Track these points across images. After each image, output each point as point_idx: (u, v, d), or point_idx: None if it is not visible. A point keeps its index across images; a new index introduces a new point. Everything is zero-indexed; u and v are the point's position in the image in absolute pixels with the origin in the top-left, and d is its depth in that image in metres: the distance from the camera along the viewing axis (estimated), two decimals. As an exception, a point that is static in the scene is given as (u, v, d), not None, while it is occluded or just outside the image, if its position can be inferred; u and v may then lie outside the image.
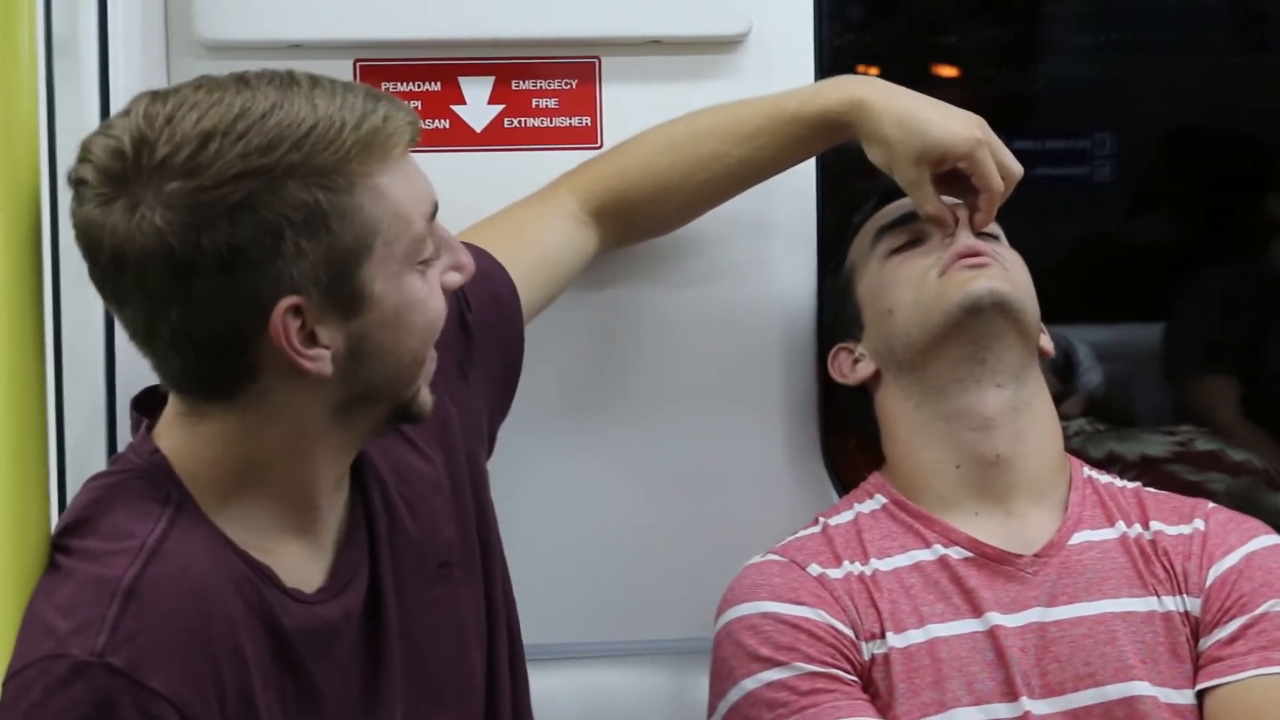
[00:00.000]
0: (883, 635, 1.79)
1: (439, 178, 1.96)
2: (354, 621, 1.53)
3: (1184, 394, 3.14)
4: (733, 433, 2.08)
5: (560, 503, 2.06)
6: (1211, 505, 1.90)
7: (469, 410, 1.74)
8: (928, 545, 1.84)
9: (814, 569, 1.82)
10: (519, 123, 2.02)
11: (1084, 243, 3.46)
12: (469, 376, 1.75)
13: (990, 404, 1.84)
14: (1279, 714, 1.74)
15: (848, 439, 2.08)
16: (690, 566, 2.03)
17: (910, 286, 1.87)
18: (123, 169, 1.38)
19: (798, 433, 2.09)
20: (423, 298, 1.47)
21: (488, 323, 1.78)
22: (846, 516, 1.90)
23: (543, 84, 2.02)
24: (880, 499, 1.91)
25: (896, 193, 1.92)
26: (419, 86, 2.00)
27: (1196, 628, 1.81)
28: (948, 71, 3.23)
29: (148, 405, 1.54)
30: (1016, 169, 1.86)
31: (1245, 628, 1.78)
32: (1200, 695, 1.78)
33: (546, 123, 2.02)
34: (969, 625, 1.79)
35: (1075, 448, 2.01)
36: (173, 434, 1.49)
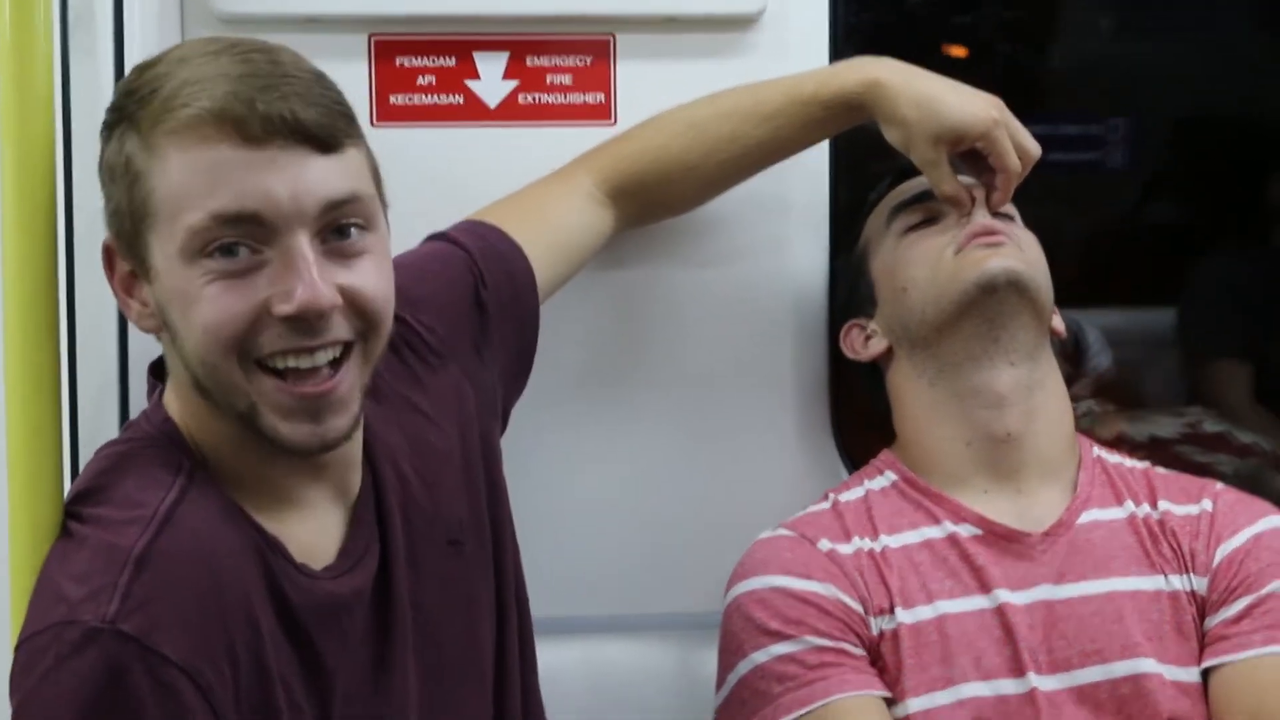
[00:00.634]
0: (891, 611, 1.79)
1: (452, 153, 1.99)
2: (364, 597, 1.54)
3: (1196, 377, 3.14)
4: (744, 409, 2.08)
5: (572, 478, 2.07)
6: (1220, 486, 1.90)
7: (483, 387, 1.74)
8: (937, 522, 1.85)
9: (824, 544, 1.82)
10: (533, 98, 2.02)
11: (1096, 227, 3.46)
12: (483, 353, 1.76)
13: (1003, 382, 1.84)
14: None
15: (858, 416, 2.08)
16: (700, 542, 2.03)
17: (925, 264, 1.87)
18: None
19: (809, 410, 2.09)
20: (194, 297, 1.42)
21: (503, 301, 1.79)
22: (857, 493, 1.90)
23: (557, 60, 2.02)
24: (891, 476, 1.91)
25: (912, 171, 1.92)
26: (433, 61, 2.00)
27: (1203, 607, 1.81)
28: (961, 52, 3.24)
29: (162, 371, 1.55)
30: (1034, 149, 1.86)
31: (1251, 607, 1.78)
32: (1205, 673, 1.78)
33: (560, 99, 2.02)
34: (977, 602, 1.80)
35: (1084, 428, 2.00)
36: (181, 398, 1.50)
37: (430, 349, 1.70)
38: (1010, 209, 1.92)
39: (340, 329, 1.45)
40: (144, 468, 1.46)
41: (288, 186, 1.40)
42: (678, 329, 2.07)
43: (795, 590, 1.78)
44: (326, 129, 1.42)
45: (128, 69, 1.81)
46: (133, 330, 1.82)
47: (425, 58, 2.00)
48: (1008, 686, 1.76)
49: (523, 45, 2.01)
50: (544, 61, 2.02)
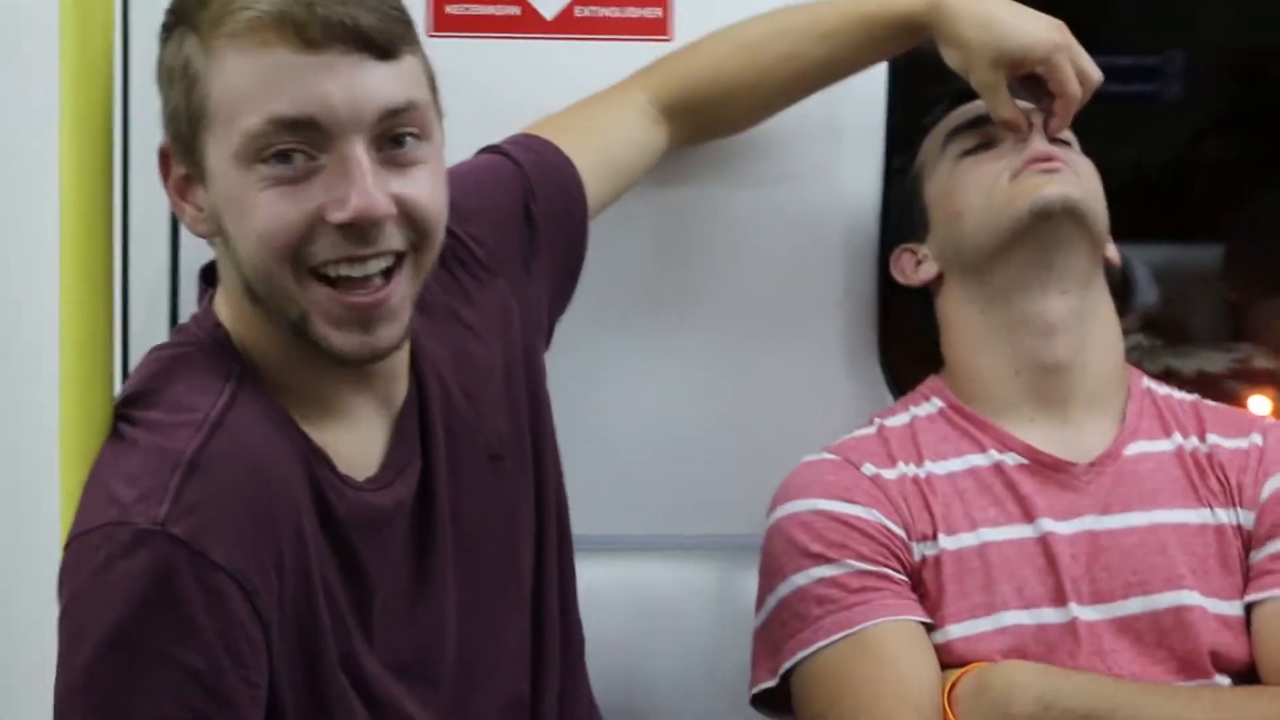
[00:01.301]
0: (934, 537, 1.79)
1: (508, 65, 1.98)
2: (405, 509, 1.54)
3: (1244, 314, 3.12)
4: (791, 332, 2.07)
5: (617, 397, 2.06)
6: (1271, 420, 1.90)
7: (530, 301, 1.74)
8: (983, 450, 1.84)
9: (868, 469, 1.82)
10: (589, 11, 1.99)
11: (1148, 160, 3.43)
12: (531, 267, 1.75)
13: (1055, 310, 1.82)
14: None
15: (906, 342, 2.07)
16: (744, 464, 2.03)
17: (981, 189, 1.85)
18: None
19: (856, 334, 2.08)
20: (250, 203, 1.42)
21: (553, 215, 1.78)
22: (902, 419, 1.90)
23: (616, -27, 2.01)
24: (937, 402, 1.90)
25: (968, 96, 1.90)
26: (492, -27, 1.99)
27: (1248, 541, 1.80)
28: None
29: (213, 275, 1.55)
30: (1096, 75, 1.84)
31: None
32: (1249, 608, 1.78)
33: (618, 12, 2.00)
34: (1021, 531, 1.79)
35: (1132, 362, 1.99)
36: (231, 304, 1.50)
37: (479, 263, 1.70)
38: (1069, 135, 1.90)
39: (394, 239, 1.44)
40: (195, 372, 1.47)
41: (345, 92, 1.40)
42: (727, 250, 2.06)
43: (838, 513, 1.78)
44: (385, 35, 1.41)
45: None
46: (184, 234, 1.83)
47: (484, -31, 1.99)
48: (1049, 615, 1.76)
49: (582, -44, 1.99)
50: (603, -26, 2.01)
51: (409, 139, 1.45)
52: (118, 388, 1.56)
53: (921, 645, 1.74)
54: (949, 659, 1.75)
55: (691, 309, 2.07)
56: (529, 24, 1.99)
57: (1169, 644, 1.76)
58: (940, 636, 1.76)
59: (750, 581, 1.86)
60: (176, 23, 1.45)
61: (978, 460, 1.84)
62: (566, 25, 2.00)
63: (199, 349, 1.50)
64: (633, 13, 2.00)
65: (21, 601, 1.87)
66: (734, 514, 1.97)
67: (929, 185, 1.94)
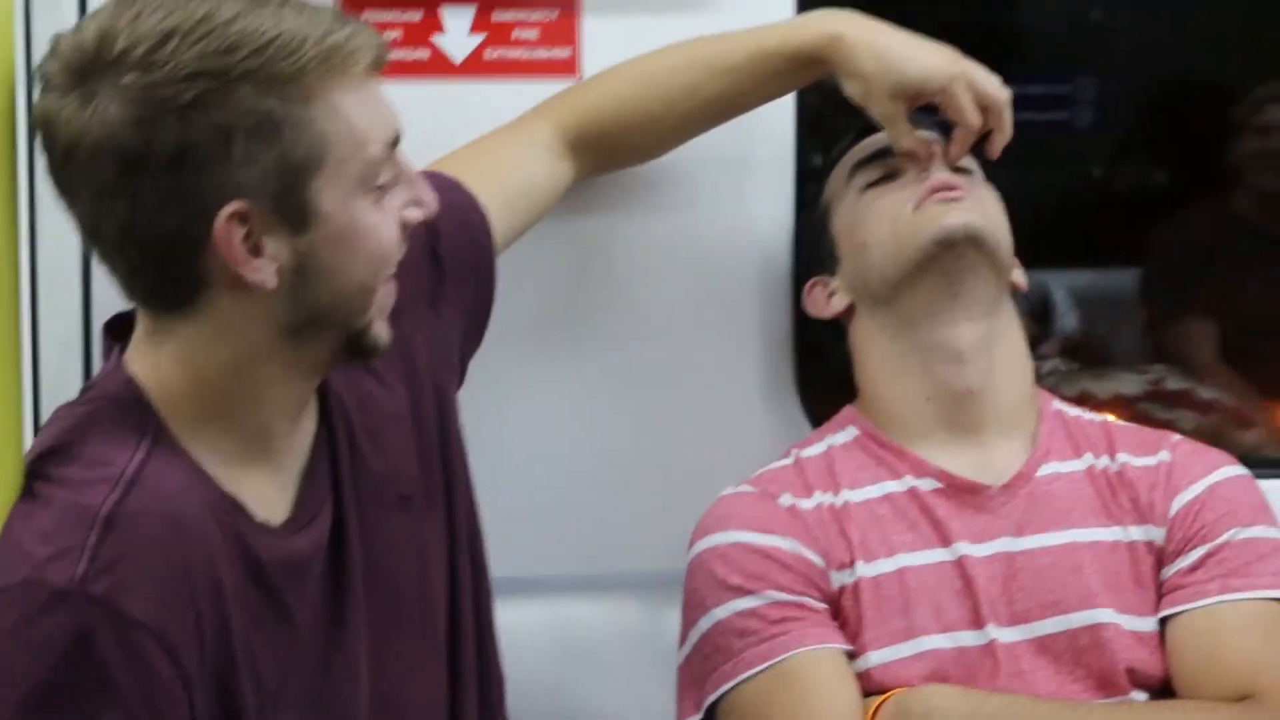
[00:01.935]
0: (852, 564, 1.80)
1: (417, 108, 1.94)
2: (321, 553, 1.54)
3: (1161, 337, 3.16)
4: (708, 366, 2.08)
5: (533, 435, 2.06)
6: (1178, 437, 1.92)
7: (439, 342, 1.74)
8: (898, 476, 1.86)
9: (785, 499, 1.83)
10: (499, 54, 2.01)
11: (1064, 187, 3.47)
12: (439, 308, 1.75)
13: (963, 337, 1.84)
14: (1238, 639, 1.76)
15: (823, 374, 2.08)
16: (663, 499, 2.03)
17: (885, 220, 1.87)
18: (84, 62, 1.38)
19: (773, 367, 2.09)
20: (373, 224, 1.46)
21: (459, 253, 1.78)
22: (819, 448, 1.91)
23: (524, 14, 2.01)
24: (853, 431, 1.91)
25: (874, 128, 1.91)
26: (399, 15, 1.99)
27: (1160, 556, 1.82)
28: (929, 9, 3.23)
29: (120, 330, 1.53)
30: (1000, 96, 1.85)
31: (1207, 556, 1.79)
32: (1163, 622, 1.80)
33: (527, 54, 2.01)
34: (938, 555, 1.81)
35: (1049, 387, 2.02)
36: (143, 358, 1.49)
37: None
38: (971, 164, 1.91)
39: None
40: (109, 428, 1.45)
41: (390, 106, 1.49)
42: (642, 285, 2.07)
43: (757, 545, 1.79)
44: None
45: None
46: (97, 287, 1.81)
47: (391, 10, 1.98)
48: (967, 638, 1.78)
49: (490, -1, 2.00)
50: (510, 16, 2.01)
51: None
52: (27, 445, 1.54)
53: (842, 673, 1.75)
54: (870, 686, 1.76)
55: (607, 345, 2.07)
56: (438, 67, 2.00)
57: (1086, 662, 1.77)
58: (861, 664, 1.77)
59: (674, 617, 1.86)
60: (213, 86, 1.38)
61: (893, 486, 1.85)
62: (476, 67, 2.01)
63: (112, 403, 1.48)
64: (541, 54, 2.02)
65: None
66: (656, 550, 1.96)
67: (836, 218, 1.95)
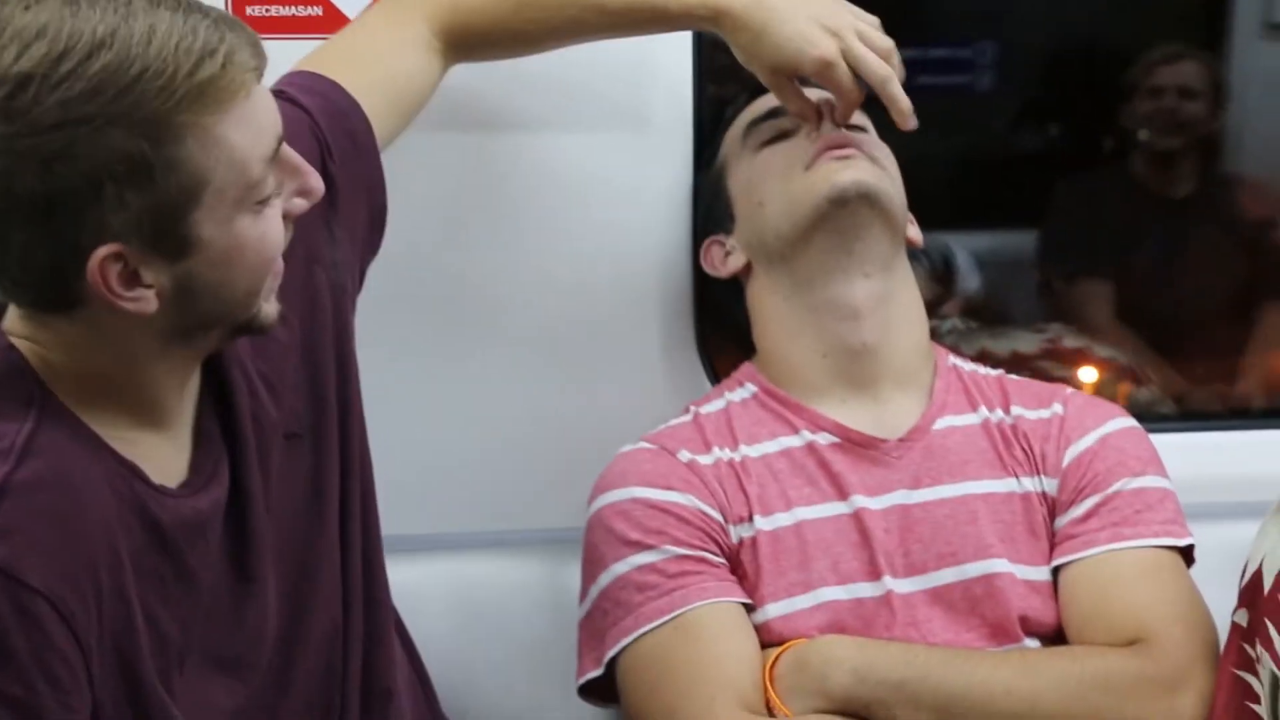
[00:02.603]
0: (750, 519, 1.82)
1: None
2: (220, 511, 1.53)
3: (1059, 297, 3.20)
4: (609, 325, 2.09)
5: (433, 394, 2.06)
6: (1070, 390, 1.94)
7: (333, 265, 1.70)
8: (796, 431, 1.87)
9: (684, 455, 1.84)
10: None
11: (967, 151, 3.50)
12: (334, 231, 1.70)
13: (858, 294, 1.85)
14: (1128, 587, 1.78)
15: (725, 332, 2.09)
16: (564, 457, 2.03)
17: (779, 179, 1.88)
18: None
19: (674, 325, 2.10)
20: (256, 236, 1.42)
21: (348, 164, 1.72)
22: (717, 405, 1.92)
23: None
24: (751, 388, 1.93)
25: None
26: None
27: (1053, 507, 1.85)
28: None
29: None
30: (880, 71, 1.79)
31: (1098, 506, 1.82)
32: (1055, 571, 1.83)
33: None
34: (835, 508, 1.83)
35: (949, 345, 2.03)
36: (23, 328, 1.46)
37: None
38: (863, 119, 1.92)
39: None
40: None
41: (273, 109, 1.43)
42: (542, 243, 2.06)
43: (655, 500, 1.80)
44: None
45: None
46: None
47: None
48: (865, 590, 1.80)
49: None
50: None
51: None
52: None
53: (741, 626, 1.77)
54: (769, 638, 1.78)
55: (507, 304, 2.07)
56: (332, 24, 1.96)
57: (980, 611, 1.80)
58: (760, 616, 1.79)
59: (575, 574, 1.87)
60: (78, 135, 1.31)
61: (791, 441, 1.87)
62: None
63: None
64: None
65: None
66: (556, 507, 1.98)
67: (732, 177, 1.96)
